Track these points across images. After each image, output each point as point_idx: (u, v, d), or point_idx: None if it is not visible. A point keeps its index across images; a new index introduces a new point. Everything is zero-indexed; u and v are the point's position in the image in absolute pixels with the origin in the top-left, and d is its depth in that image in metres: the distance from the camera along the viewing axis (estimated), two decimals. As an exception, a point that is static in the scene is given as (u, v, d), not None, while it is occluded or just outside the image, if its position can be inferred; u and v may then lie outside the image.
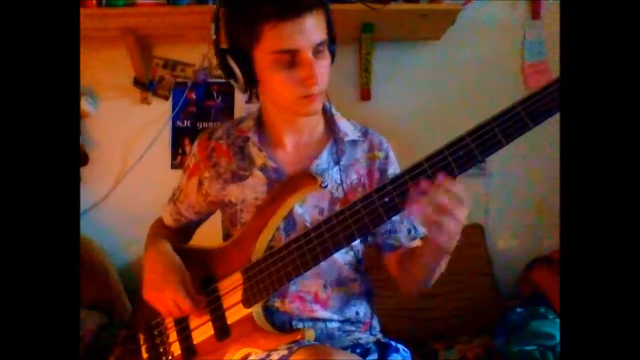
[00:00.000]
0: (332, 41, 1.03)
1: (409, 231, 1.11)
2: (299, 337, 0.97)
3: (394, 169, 1.14)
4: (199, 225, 1.27)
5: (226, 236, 1.17)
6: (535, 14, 2.01)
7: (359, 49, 1.96)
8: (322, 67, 1.00)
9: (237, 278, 1.05)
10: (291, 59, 0.96)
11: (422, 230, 1.11)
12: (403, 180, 0.91)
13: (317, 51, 0.97)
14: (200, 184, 1.15)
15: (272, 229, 1.05)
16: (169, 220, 1.24)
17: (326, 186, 1.04)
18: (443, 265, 1.01)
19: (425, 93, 2.03)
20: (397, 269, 1.11)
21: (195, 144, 1.18)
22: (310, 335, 0.99)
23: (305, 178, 1.03)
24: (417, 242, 1.11)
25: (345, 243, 0.96)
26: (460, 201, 0.85)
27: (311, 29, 0.95)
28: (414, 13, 1.78)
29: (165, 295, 1.06)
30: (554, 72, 1.97)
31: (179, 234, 1.26)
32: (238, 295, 1.05)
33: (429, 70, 2.03)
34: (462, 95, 2.01)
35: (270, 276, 1.01)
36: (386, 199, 0.92)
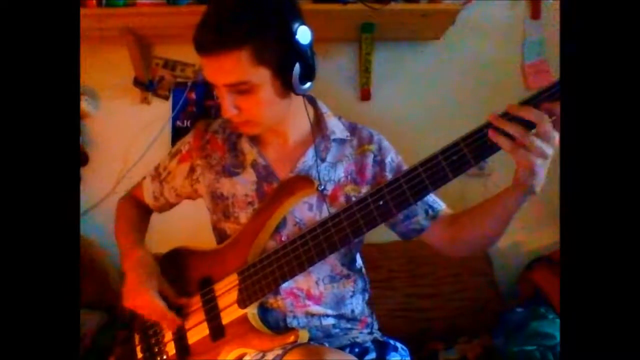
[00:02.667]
0: (282, 70, 0.98)
1: (427, 212, 1.11)
2: (292, 338, 0.98)
3: (391, 157, 1.15)
4: (169, 210, 1.29)
5: (216, 229, 1.18)
6: (535, 14, 2.01)
7: (359, 49, 1.96)
8: (247, 101, 1.00)
9: (233, 279, 1.06)
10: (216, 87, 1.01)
11: (439, 206, 1.12)
12: (398, 184, 0.92)
13: (237, 90, 0.98)
14: (192, 170, 1.18)
15: (268, 232, 1.06)
16: (149, 199, 1.26)
17: (323, 190, 1.05)
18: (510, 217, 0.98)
19: (425, 93, 2.03)
20: (447, 237, 1.10)
21: (192, 132, 1.20)
22: (303, 336, 0.99)
23: (301, 181, 1.05)
24: (445, 212, 1.12)
25: (340, 245, 0.97)
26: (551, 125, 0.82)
27: (224, 69, 0.97)
28: (414, 13, 1.78)
29: (141, 303, 1.07)
30: (554, 72, 1.98)
31: (150, 213, 1.28)
32: (233, 296, 1.05)
33: (429, 70, 2.03)
34: (462, 95, 2.01)
35: (265, 277, 1.02)
36: (380, 203, 0.93)
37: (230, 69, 0.96)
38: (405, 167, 1.14)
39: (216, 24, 0.95)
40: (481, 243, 1.09)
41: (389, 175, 1.13)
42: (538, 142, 0.82)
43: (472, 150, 0.86)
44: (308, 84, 1.02)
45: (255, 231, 1.06)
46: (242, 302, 1.04)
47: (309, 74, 1.00)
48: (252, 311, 1.04)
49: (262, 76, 0.97)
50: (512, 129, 0.83)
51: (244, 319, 1.03)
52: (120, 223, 1.25)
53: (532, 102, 0.83)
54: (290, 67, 0.97)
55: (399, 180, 0.92)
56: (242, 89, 0.98)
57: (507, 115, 0.84)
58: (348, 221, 0.95)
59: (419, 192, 0.91)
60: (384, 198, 0.93)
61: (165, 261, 1.16)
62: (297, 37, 0.96)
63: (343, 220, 0.96)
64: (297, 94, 1.03)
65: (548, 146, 0.83)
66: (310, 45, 1.00)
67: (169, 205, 1.27)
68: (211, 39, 0.94)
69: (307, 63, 0.99)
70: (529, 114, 0.82)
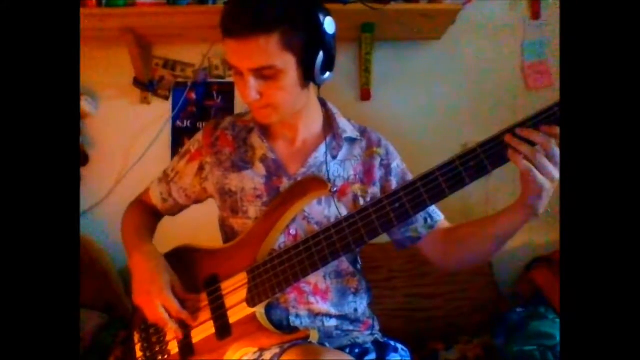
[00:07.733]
0: (306, 58, 1.00)
1: (425, 220, 1.12)
2: (303, 336, 0.98)
3: (396, 163, 1.17)
4: (178, 213, 1.28)
5: (224, 226, 1.18)
6: (535, 14, 2.01)
7: (359, 49, 1.96)
8: (270, 87, 1.00)
9: (241, 277, 1.06)
10: (239, 72, 1.00)
11: (438, 217, 1.13)
12: (415, 187, 0.93)
13: (261, 75, 0.99)
14: (201, 168, 1.17)
15: (278, 231, 1.06)
16: (157, 200, 1.25)
17: (335, 191, 1.05)
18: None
19: (425, 93, 2.03)
20: (441, 250, 1.11)
21: (201, 131, 1.21)
22: (314, 336, 0.99)
23: (314, 182, 1.05)
24: (442, 223, 1.12)
25: (354, 246, 0.98)
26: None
27: (252, 53, 0.97)
28: (414, 13, 1.78)
29: (153, 298, 1.06)
30: (554, 72, 1.98)
31: (158, 217, 1.27)
32: (242, 294, 1.05)
33: (429, 70, 2.03)
34: (462, 95, 2.01)
35: (276, 276, 1.02)
36: (397, 205, 0.94)
37: (258, 53, 0.96)
38: (409, 174, 1.17)
39: (248, 8, 0.95)
40: (474, 259, 1.11)
41: (393, 180, 1.14)
42: (547, 164, 0.84)
43: (489, 157, 0.89)
44: (327, 74, 1.05)
45: (265, 231, 1.06)
46: (252, 301, 1.03)
47: (329, 64, 1.03)
48: (260, 310, 1.03)
49: (287, 62, 0.98)
50: (523, 148, 0.85)
51: (252, 318, 1.03)
52: (127, 226, 1.23)
53: (529, 124, 0.86)
54: (314, 55, 1.00)
55: (416, 183, 0.93)
56: (267, 74, 0.98)
57: (516, 136, 0.86)
58: (363, 222, 0.96)
59: (436, 195, 0.92)
60: (401, 200, 0.94)
61: (169, 259, 1.15)
62: (324, 26, 1.00)
63: (358, 222, 0.97)
64: (316, 84, 1.05)
65: (555, 169, 0.85)
66: (334, 36, 1.03)
67: (178, 207, 1.26)
68: (243, 22, 0.94)
69: (330, 53, 1.02)
70: (535, 136, 0.85)
